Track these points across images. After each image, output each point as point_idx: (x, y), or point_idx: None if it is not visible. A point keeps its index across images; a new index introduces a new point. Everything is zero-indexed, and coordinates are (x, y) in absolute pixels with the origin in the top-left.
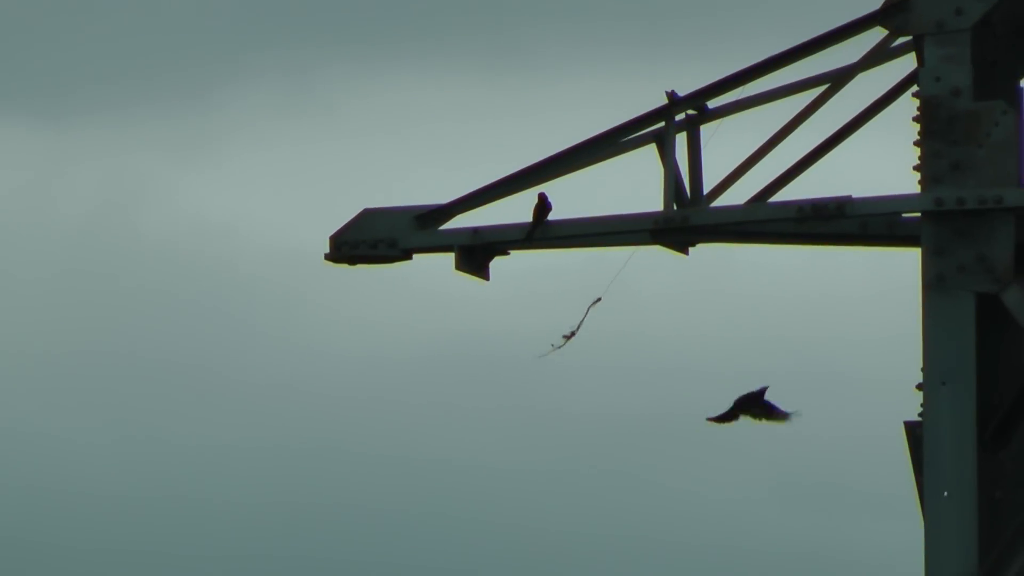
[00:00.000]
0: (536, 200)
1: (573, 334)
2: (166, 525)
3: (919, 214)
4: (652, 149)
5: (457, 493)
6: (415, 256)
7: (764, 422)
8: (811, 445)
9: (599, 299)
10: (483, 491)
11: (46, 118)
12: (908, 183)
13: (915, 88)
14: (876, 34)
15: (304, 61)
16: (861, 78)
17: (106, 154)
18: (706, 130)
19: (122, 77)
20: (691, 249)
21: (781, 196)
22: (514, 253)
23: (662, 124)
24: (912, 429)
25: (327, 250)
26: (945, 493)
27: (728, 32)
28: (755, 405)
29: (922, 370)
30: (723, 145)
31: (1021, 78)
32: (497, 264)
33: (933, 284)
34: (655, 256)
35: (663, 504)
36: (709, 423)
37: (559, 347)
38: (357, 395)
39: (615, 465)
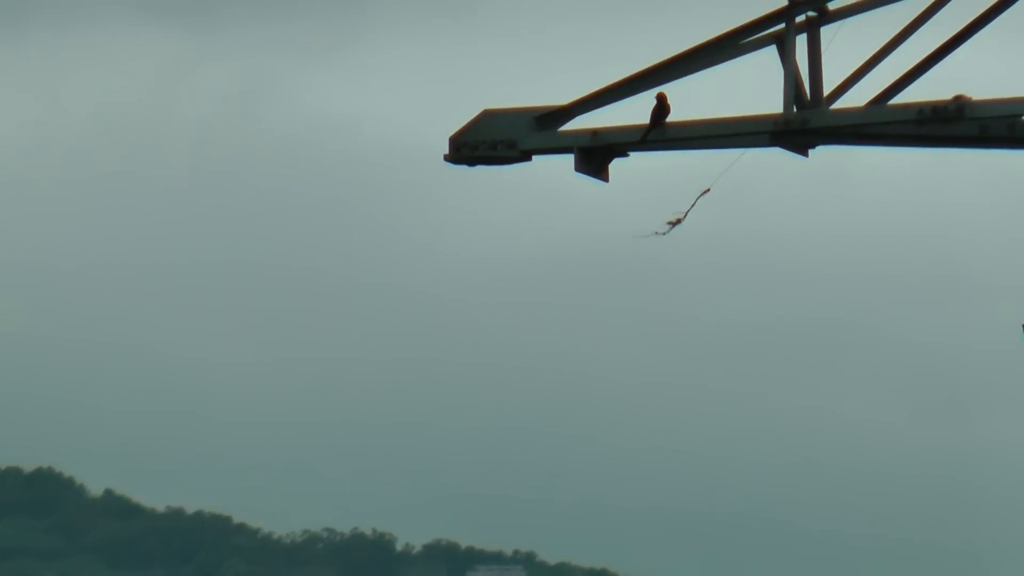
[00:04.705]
0: (655, 102)
1: (679, 221)
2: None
3: None
4: (772, 51)
5: (572, 390)
6: (534, 157)
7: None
8: (933, 348)
9: (707, 189)
10: (600, 391)
11: (185, 18)
12: None
13: None
14: None
15: None
16: None
17: (237, 54)
18: (827, 32)
19: None
20: (811, 151)
21: (901, 98)
22: (633, 155)
23: (782, 25)
24: None
25: (447, 150)
26: None
27: None
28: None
29: None
30: (843, 47)
31: None
32: (616, 165)
33: None
34: (775, 158)
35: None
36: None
37: (664, 232)
38: (477, 294)
39: (731, 367)
